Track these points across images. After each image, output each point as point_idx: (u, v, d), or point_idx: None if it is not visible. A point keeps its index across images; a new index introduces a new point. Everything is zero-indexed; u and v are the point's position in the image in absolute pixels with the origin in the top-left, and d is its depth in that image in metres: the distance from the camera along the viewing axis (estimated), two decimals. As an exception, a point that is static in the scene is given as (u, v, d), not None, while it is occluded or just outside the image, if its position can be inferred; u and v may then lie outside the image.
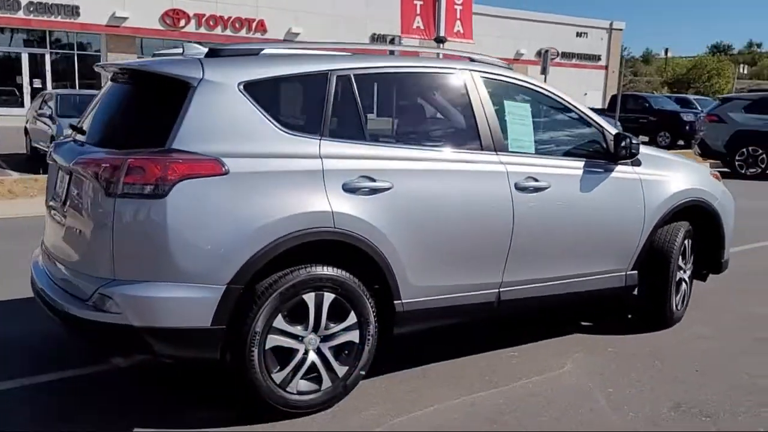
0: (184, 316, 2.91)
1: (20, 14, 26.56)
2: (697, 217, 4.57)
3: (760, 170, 13.78)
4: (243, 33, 30.93)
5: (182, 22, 29.45)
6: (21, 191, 9.22)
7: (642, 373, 3.87)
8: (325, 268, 3.16)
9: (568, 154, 4.11)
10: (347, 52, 3.61)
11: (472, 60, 3.88)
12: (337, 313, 3.23)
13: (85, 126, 3.52)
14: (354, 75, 3.37)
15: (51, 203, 3.53)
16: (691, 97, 29.22)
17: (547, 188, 3.80)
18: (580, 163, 4.04)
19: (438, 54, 3.93)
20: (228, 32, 30.61)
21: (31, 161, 13.15)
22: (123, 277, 2.90)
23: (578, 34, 40.54)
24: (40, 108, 13.61)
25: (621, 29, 42.58)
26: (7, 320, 4.50)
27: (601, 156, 4.13)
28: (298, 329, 3.15)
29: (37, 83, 27.23)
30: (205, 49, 3.52)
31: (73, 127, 3.61)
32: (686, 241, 4.51)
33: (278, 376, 3.13)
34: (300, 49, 3.67)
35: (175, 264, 2.87)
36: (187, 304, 2.90)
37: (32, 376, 3.60)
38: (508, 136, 3.79)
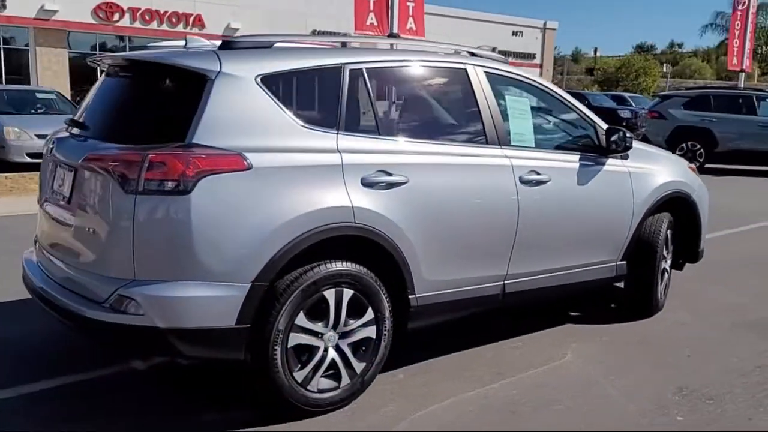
0: (209, 316, 2.82)
1: (-60, 6, 25.14)
2: (677, 208, 4.74)
3: (698, 164, 14.40)
4: (180, 28, 30.13)
5: (116, 16, 28.45)
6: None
7: (638, 360, 3.99)
8: (344, 263, 3.12)
9: (563, 147, 4.19)
10: (355, 45, 3.58)
11: (473, 54, 3.91)
12: (355, 310, 3.20)
13: (85, 120, 3.35)
14: (366, 68, 3.34)
15: (49, 201, 3.36)
16: (626, 94, 30.25)
17: (548, 181, 3.86)
18: (576, 157, 4.13)
19: (435, 49, 3.91)
20: (164, 27, 29.79)
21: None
22: (144, 278, 2.78)
23: (514, 33, 41.33)
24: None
25: (554, 29, 43.67)
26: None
27: (594, 149, 4.23)
28: (318, 326, 3.10)
29: (-42, 80, 25.84)
30: (208, 42, 3.43)
31: (73, 121, 3.43)
32: (668, 232, 4.68)
33: (299, 375, 3.07)
34: (308, 42, 3.61)
35: (200, 262, 2.78)
36: (211, 304, 2.82)
37: (35, 382, 3.43)
38: (510, 130, 3.84)
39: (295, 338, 3.03)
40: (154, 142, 2.83)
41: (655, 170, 4.55)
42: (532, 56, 42.36)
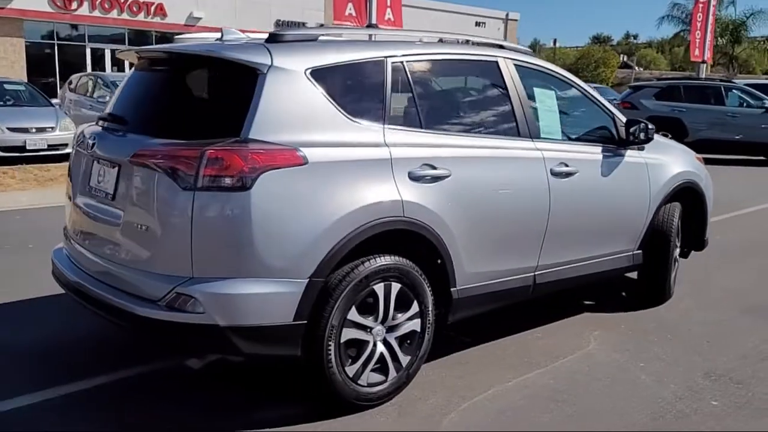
0: (267, 313, 2.80)
1: None
2: (687, 197, 4.86)
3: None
4: (141, 17, 29.48)
5: (74, 5, 27.61)
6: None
7: (662, 347, 4.09)
8: (392, 257, 3.12)
9: (586, 139, 4.26)
10: (391, 38, 3.57)
11: (501, 47, 3.93)
12: (402, 303, 3.21)
13: (122, 114, 3.27)
14: (406, 62, 3.34)
15: (85, 197, 3.27)
16: (592, 86, 30.69)
17: (575, 173, 3.92)
18: (598, 148, 4.20)
19: (468, 41, 3.92)
20: (125, 16, 29.08)
21: None
22: (202, 275, 2.74)
23: (477, 24, 41.59)
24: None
25: (516, 20, 44.08)
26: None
27: (614, 141, 4.31)
28: (368, 321, 3.10)
29: None
30: (243, 35, 3.39)
31: (111, 116, 3.33)
32: (678, 221, 4.79)
33: (350, 370, 3.07)
34: (349, 35, 3.58)
35: (259, 259, 2.75)
36: (270, 300, 2.79)
37: (77, 381, 3.37)
38: (540, 123, 3.88)
39: (347, 333, 3.03)
40: (206, 137, 2.78)
41: (668, 161, 4.66)
42: (494, 47, 42.67)
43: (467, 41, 3.89)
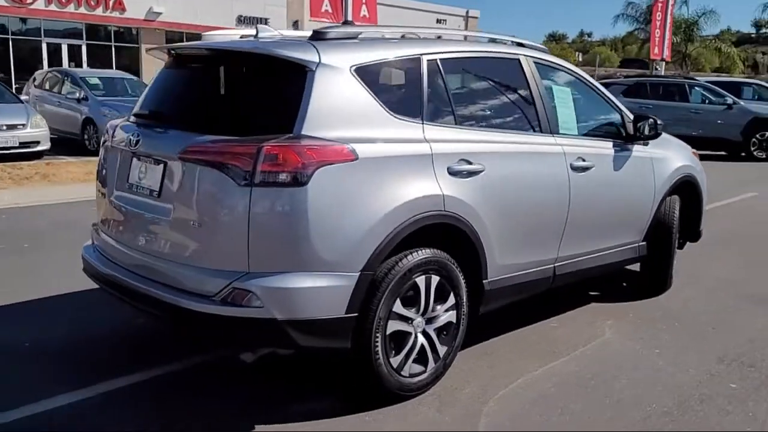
0: (322, 306, 2.84)
1: None
2: (685, 191, 5.05)
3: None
4: (99, 11, 28.79)
5: (30, -1, 26.88)
6: None
7: (671, 335, 4.26)
8: (432, 251, 3.19)
9: (598, 134, 4.39)
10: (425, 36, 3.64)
11: (521, 44, 4.04)
12: (440, 295, 3.28)
13: (161, 110, 3.26)
14: (439, 59, 3.41)
15: (122, 194, 3.26)
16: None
17: (591, 168, 4.05)
18: (609, 143, 4.34)
19: (492, 39, 4.01)
20: (82, 10, 28.35)
21: None
22: (258, 270, 2.77)
23: (438, 21, 41.85)
24: None
25: (476, 17, 44.54)
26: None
27: (622, 137, 4.46)
28: (411, 313, 3.17)
29: None
30: (276, 31, 3.42)
31: (148, 113, 3.31)
32: (678, 213, 4.98)
33: (395, 361, 3.14)
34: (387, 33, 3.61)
35: (314, 253, 2.79)
36: (325, 294, 2.84)
37: (113, 379, 3.37)
38: (558, 119, 4.00)
39: (393, 325, 3.09)
40: (256, 134, 2.81)
41: (670, 156, 4.84)
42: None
43: (492, 39, 3.98)
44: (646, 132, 4.44)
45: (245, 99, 3.02)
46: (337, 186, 2.83)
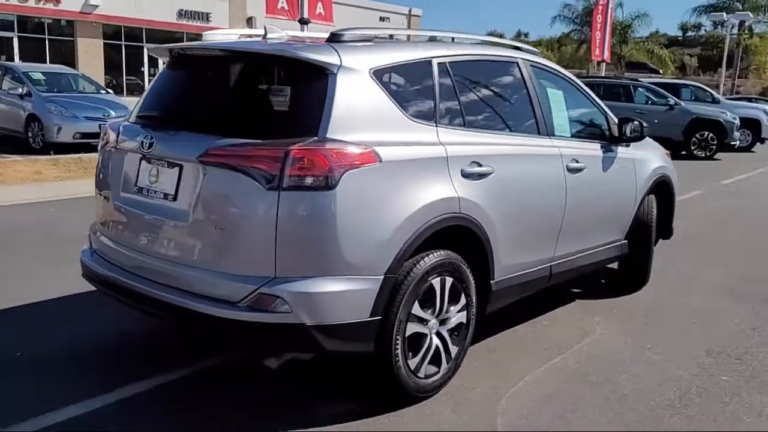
0: (349, 310, 2.83)
1: None
2: (661, 190, 5.24)
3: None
4: (32, 3, 27.64)
5: (-48, -11, 25.59)
6: None
7: (658, 329, 4.42)
8: (446, 252, 3.22)
9: (587, 136, 4.50)
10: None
11: (518, 48, 4.10)
12: (453, 297, 3.31)
13: (169, 113, 3.17)
14: (448, 62, 3.43)
15: (130, 197, 3.15)
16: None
17: (584, 169, 4.16)
18: (597, 145, 4.47)
19: (493, 42, 4.07)
20: (14, 1, 27.15)
21: None
22: (284, 275, 2.73)
23: (381, 19, 41.97)
24: None
25: (419, 15, 44.88)
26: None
27: (608, 138, 4.59)
28: (427, 314, 3.19)
29: None
30: (283, 32, 3.38)
31: (156, 114, 3.21)
32: (656, 212, 5.16)
33: (412, 363, 3.15)
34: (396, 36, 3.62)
35: (341, 257, 2.77)
36: (351, 297, 2.83)
37: (131, 384, 3.29)
38: (554, 121, 4.08)
39: (411, 327, 3.10)
40: (278, 137, 2.77)
41: (648, 156, 5.02)
42: (398, 42, 43.22)
43: (492, 42, 4.04)
44: (630, 134, 4.58)
45: (266, 101, 2.96)
46: (363, 189, 2.82)
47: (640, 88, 15.96)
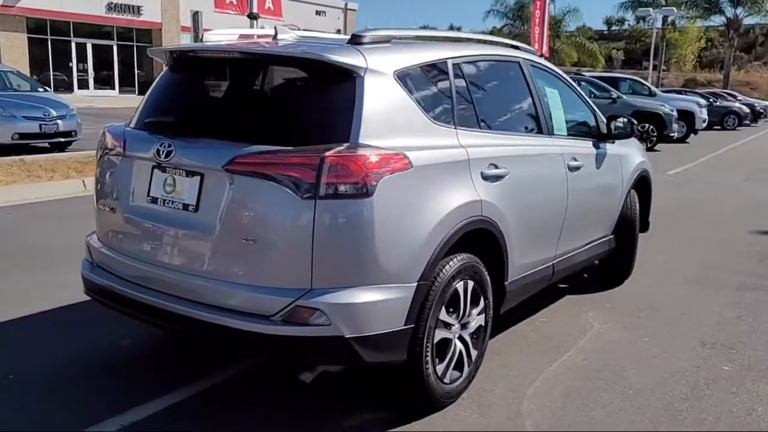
0: (385, 319, 2.76)
1: None
2: (640, 186, 5.36)
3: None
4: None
5: None
6: None
7: (651, 322, 4.53)
8: (468, 255, 3.19)
9: (579, 134, 4.55)
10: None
11: (516, 47, 4.10)
12: (474, 300, 3.29)
13: (175, 118, 3.01)
14: (461, 63, 3.40)
15: (141, 208, 2.98)
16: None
17: (582, 167, 4.21)
18: (590, 143, 4.53)
19: (494, 41, 4.05)
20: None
21: None
22: (321, 286, 2.64)
23: (317, 13, 41.63)
24: None
25: (355, 10, 44.75)
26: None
27: (597, 135, 4.65)
28: (452, 319, 3.15)
29: None
30: (292, 32, 3.27)
31: (168, 120, 3.04)
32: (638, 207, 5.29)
33: (439, 369, 3.11)
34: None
35: (379, 266, 2.70)
36: (388, 306, 2.76)
37: (135, 407, 3.08)
38: (553, 121, 4.11)
39: (439, 334, 3.06)
40: (307, 143, 2.68)
41: (631, 152, 5.12)
42: (335, 36, 42.97)
43: (493, 42, 4.02)
44: (621, 131, 4.65)
45: (291, 106, 2.85)
46: (397, 196, 2.75)
47: (583, 82, 16.35)
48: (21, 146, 11.51)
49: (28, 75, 19.04)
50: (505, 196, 3.38)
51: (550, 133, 4.02)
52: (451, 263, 3.06)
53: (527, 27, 47.48)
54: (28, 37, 29.04)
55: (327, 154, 2.59)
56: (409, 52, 3.15)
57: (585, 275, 5.59)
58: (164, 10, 33.05)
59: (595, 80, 16.73)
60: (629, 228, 5.07)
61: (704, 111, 20.60)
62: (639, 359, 3.90)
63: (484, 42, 4.02)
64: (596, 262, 5.30)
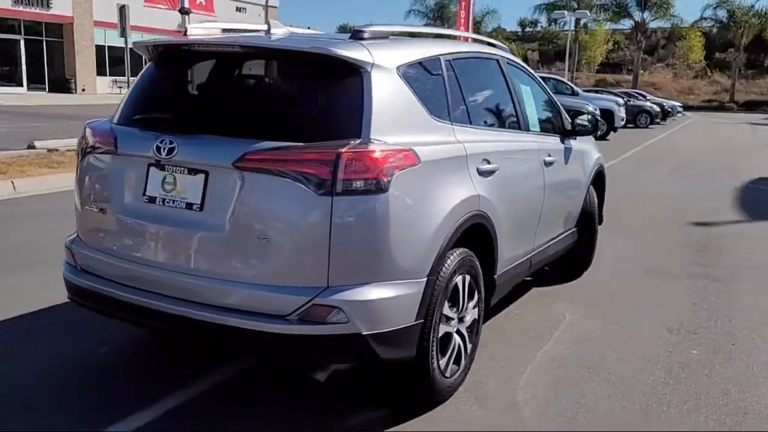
0: (399, 315, 2.76)
1: None
2: (597, 180, 5.56)
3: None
4: None
5: None
6: None
7: (618, 310, 4.72)
8: (465, 250, 3.22)
9: (549, 129, 4.67)
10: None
11: (493, 45, 4.17)
12: (469, 294, 3.33)
13: (181, 114, 2.89)
14: (451, 60, 3.43)
15: (137, 209, 2.85)
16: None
17: (555, 162, 4.33)
18: (558, 139, 4.66)
19: (476, 39, 4.11)
20: None
21: None
22: (337, 283, 2.60)
23: (238, 9, 40.91)
24: None
25: (276, 6, 44.27)
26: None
27: (563, 131, 4.80)
28: (452, 313, 3.18)
29: None
30: (287, 28, 3.22)
31: (173, 117, 2.90)
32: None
33: (442, 363, 3.13)
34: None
35: (394, 261, 2.70)
36: (401, 302, 2.76)
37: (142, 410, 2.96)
38: (528, 117, 4.20)
39: (442, 328, 3.08)
40: (317, 138, 2.64)
41: (589, 148, 5.31)
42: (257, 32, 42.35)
43: (475, 39, 4.07)
44: (584, 127, 4.81)
45: (297, 101, 2.80)
46: (409, 191, 2.75)
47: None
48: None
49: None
50: (496, 190, 3.43)
51: (527, 129, 4.11)
52: (452, 257, 3.09)
53: (447, 27, 48.39)
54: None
55: (343, 149, 2.56)
56: (406, 48, 3.16)
57: (546, 268, 5.75)
58: (76, 4, 31.60)
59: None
60: (590, 221, 5.26)
61: (623, 110, 21.57)
62: (615, 347, 4.05)
63: (464, 39, 4.07)
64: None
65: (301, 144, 2.60)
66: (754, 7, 52.37)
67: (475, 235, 3.33)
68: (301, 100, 2.81)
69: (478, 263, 3.35)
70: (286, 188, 2.57)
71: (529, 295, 4.98)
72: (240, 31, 3.45)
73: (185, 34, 3.25)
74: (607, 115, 19.48)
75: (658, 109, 30.71)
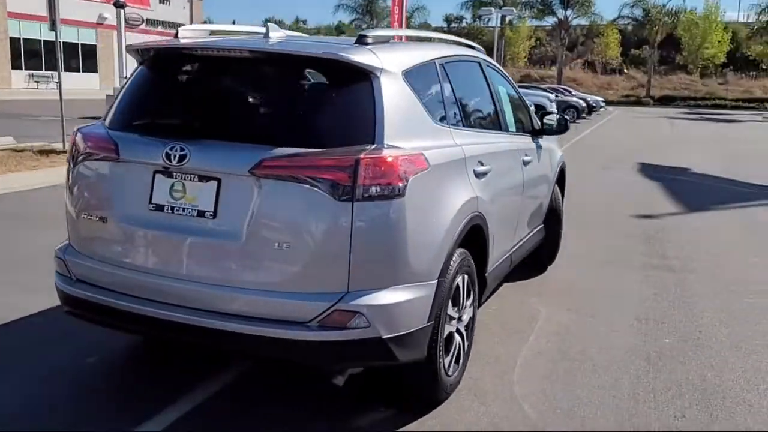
0: (414, 318, 2.80)
1: None
2: (560, 177, 5.75)
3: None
4: None
5: None
6: None
7: (588, 302, 4.92)
8: (464, 250, 3.29)
9: (522, 130, 4.79)
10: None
11: (472, 47, 4.25)
12: (467, 293, 3.40)
13: (185, 119, 2.82)
14: (444, 63, 3.49)
15: (144, 217, 2.77)
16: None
17: (531, 161, 4.46)
18: (529, 138, 4.79)
19: (456, 41, 4.16)
20: None
21: None
22: (357, 288, 2.62)
23: (161, 2, 39.72)
24: None
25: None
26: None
27: (532, 131, 4.93)
28: (454, 313, 3.24)
29: None
30: (282, 31, 3.20)
31: (180, 123, 2.82)
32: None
33: (446, 362, 3.19)
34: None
35: (410, 265, 2.74)
36: (416, 305, 2.80)
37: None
38: (506, 117, 4.31)
39: (447, 328, 3.14)
40: (331, 144, 2.65)
41: (554, 147, 5.49)
42: (180, 25, 41.32)
43: (453, 41, 4.13)
44: (552, 127, 4.97)
45: (309, 106, 2.77)
46: (422, 195, 2.79)
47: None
48: None
49: None
50: (489, 191, 3.52)
51: (507, 129, 4.22)
52: (454, 258, 3.15)
53: (376, 22, 48.51)
54: None
55: (362, 155, 2.57)
56: (406, 52, 3.20)
57: (512, 264, 5.92)
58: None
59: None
60: (555, 217, 5.44)
61: (554, 105, 22.21)
62: (594, 339, 4.22)
63: (447, 42, 4.13)
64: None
65: (318, 150, 2.60)
66: (666, 6, 54.92)
67: (472, 235, 3.40)
68: (312, 106, 2.79)
69: (473, 263, 3.42)
70: (305, 194, 2.56)
71: (501, 292, 5.09)
72: (233, 33, 3.39)
73: (176, 37, 3.18)
74: (539, 109, 19.98)
75: (584, 104, 31.77)
